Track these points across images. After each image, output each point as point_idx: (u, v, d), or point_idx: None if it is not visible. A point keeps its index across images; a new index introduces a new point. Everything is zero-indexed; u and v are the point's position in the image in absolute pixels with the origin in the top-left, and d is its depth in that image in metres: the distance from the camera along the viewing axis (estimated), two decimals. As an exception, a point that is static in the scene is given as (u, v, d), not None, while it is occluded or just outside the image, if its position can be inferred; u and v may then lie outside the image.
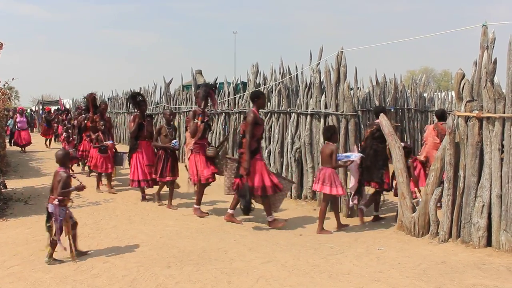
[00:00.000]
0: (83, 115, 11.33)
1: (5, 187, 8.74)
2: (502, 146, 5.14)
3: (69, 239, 4.96)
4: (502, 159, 5.14)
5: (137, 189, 8.60)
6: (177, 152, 8.17)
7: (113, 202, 8.18)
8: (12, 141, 17.51)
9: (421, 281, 4.32)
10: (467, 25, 6.26)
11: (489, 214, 5.22)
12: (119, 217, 7.09)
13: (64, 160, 5.19)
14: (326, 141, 6.51)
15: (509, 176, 5.07)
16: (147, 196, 8.38)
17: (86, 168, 11.41)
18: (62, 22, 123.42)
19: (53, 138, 19.30)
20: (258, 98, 6.60)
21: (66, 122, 18.45)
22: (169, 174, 7.71)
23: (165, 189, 8.11)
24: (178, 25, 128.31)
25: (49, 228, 4.98)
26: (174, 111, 11.59)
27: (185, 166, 7.37)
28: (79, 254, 5.07)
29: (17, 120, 17.01)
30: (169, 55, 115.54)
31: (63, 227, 4.92)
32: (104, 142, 9.22)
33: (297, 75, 9.14)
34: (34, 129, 27.79)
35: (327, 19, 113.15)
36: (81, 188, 5.14)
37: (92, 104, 9.78)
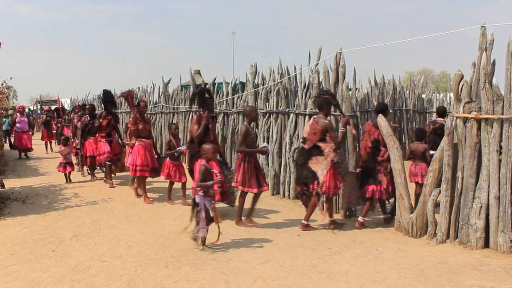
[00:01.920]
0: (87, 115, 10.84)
1: (3, 186, 8.73)
2: (500, 147, 5.15)
3: (219, 227, 5.37)
4: (500, 161, 5.15)
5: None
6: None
7: (111, 202, 8.17)
8: (12, 144, 15.86)
9: (419, 282, 4.33)
10: (465, 26, 6.26)
11: (487, 215, 5.23)
12: (117, 216, 7.08)
13: (208, 154, 5.64)
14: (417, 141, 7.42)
15: (507, 178, 5.09)
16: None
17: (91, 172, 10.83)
18: (60, 21, 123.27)
19: (55, 141, 17.81)
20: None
21: (61, 121, 18.06)
22: (263, 183, 6.75)
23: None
24: (177, 25, 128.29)
25: (197, 216, 5.31)
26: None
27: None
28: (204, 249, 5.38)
29: (17, 120, 15.31)
30: (168, 55, 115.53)
31: (211, 216, 5.32)
32: (178, 148, 8.09)
33: (295, 75, 9.13)
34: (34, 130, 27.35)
35: (326, 20, 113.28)
36: (219, 182, 5.64)
37: (132, 102, 8.88)
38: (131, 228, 6.35)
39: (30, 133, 17.21)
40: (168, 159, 8.13)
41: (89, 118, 10.67)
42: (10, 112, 23.36)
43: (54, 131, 18.13)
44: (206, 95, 7.21)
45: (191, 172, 6.98)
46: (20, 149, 15.01)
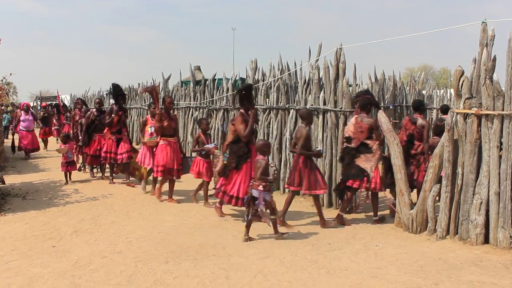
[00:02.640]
0: (93, 111, 10.23)
1: (3, 182, 8.74)
2: (501, 143, 5.15)
3: (275, 218, 5.73)
4: (500, 157, 5.15)
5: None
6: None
7: (112, 197, 8.17)
8: (14, 145, 14.25)
9: (419, 277, 4.34)
10: (466, 23, 6.24)
11: (487, 211, 5.24)
12: (117, 212, 7.08)
13: (264, 150, 5.85)
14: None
15: (507, 173, 5.09)
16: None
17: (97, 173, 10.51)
18: (60, 17, 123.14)
19: (56, 137, 17.28)
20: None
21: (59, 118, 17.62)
22: (323, 184, 6.49)
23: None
24: (177, 21, 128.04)
25: (254, 211, 5.57)
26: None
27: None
28: (279, 236, 5.70)
29: (22, 118, 14.03)
30: (168, 51, 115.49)
31: (269, 209, 5.62)
32: (205, 146, 7.64)
33: (296, 71, 9.12)
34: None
35: (326, 16, 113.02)
36: (273, 180, 5.99)
37: (157, 98, 8.42)
38: (131, 224, 6.36)
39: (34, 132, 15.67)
40: (197, 156, 7.82)
41: (96, 114, 10.10)
42: (9, 108, 23.29)
43: (55, 127, 17.75)
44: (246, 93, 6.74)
45: (223, 173, 6.54)
46: (28, 150, 13.87)
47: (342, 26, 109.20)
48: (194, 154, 8.52)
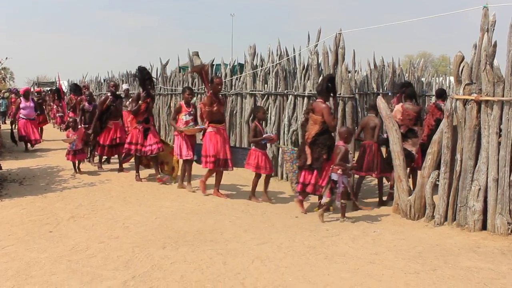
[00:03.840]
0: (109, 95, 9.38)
1: (0, 168, 8.69)
2: (500, 130, 5.12)
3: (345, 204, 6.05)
4: (499, 143, 5.12)
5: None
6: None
7: (109, 183, 8.15)
8: (16, 135, 12.52)
9: (416, 263, 4.34)
10: (466, 9, 6.17)
11: (485, 197, 5.23)
12: (114, 198, 7.06)
13: (345, 136, 6.16)
14: None
15: (506, 160, 5.07)
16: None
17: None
18: (58, 2, 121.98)
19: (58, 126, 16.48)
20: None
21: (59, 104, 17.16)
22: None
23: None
24: (176, 7, 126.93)
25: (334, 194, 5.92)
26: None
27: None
28: (344, 220, 6.01)
29: (21, 105, 12.41)
30: (166, 37, 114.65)
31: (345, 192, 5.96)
32: (265, 135, 7.11)
33: (294, 56, 9.05)
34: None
35: (325, 3, 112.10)
36: (351, 167, 6.22)
37: (206, 79, 7.40)
38: (128, 210, 6.34)
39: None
40: (253, 147, 7.17)
41: (112, 99, 9.30)
42: (6, 94, 23.12)
43: (59, 114, 16.98)
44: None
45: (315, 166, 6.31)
46: (28, 140, 12.18)
47: (342, 13, 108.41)
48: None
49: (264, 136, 7.07)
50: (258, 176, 7.12)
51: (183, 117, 7.62)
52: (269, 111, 8.96)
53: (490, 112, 5.15)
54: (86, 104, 9.67)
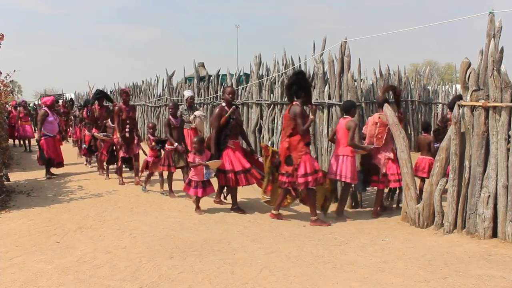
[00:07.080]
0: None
1: (8, 179, 8.74)
2: (509, 136, 5.07)
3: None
4: (508, 149, 5.07)
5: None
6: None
7: (116, 194, 8.15)
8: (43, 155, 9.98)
9: (426, 271, 4.28)
10: (472, 15, 6.15)
11: (495, 204, 5.17)
12: (121, 208, 7.05)
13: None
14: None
15: (515, 166, 5.01)
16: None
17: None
18: (63, 16, 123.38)
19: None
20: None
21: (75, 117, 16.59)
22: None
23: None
24: (181, 19, 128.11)
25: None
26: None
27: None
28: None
29: (49, 119, 10.08)
30: (171, 48, 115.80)
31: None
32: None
33: (300, 65, 9.05)
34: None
35: (330, 13, 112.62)
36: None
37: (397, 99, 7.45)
38: (135, 220, 6.33)
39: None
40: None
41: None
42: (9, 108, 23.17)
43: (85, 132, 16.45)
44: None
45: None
46: (53, 163, 10.07)
47: (347, 23, 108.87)
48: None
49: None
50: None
51: None
52: (275, 120, 8.96)
53: (498, 118, 5.11)
54: (172, 118, 7.86)
